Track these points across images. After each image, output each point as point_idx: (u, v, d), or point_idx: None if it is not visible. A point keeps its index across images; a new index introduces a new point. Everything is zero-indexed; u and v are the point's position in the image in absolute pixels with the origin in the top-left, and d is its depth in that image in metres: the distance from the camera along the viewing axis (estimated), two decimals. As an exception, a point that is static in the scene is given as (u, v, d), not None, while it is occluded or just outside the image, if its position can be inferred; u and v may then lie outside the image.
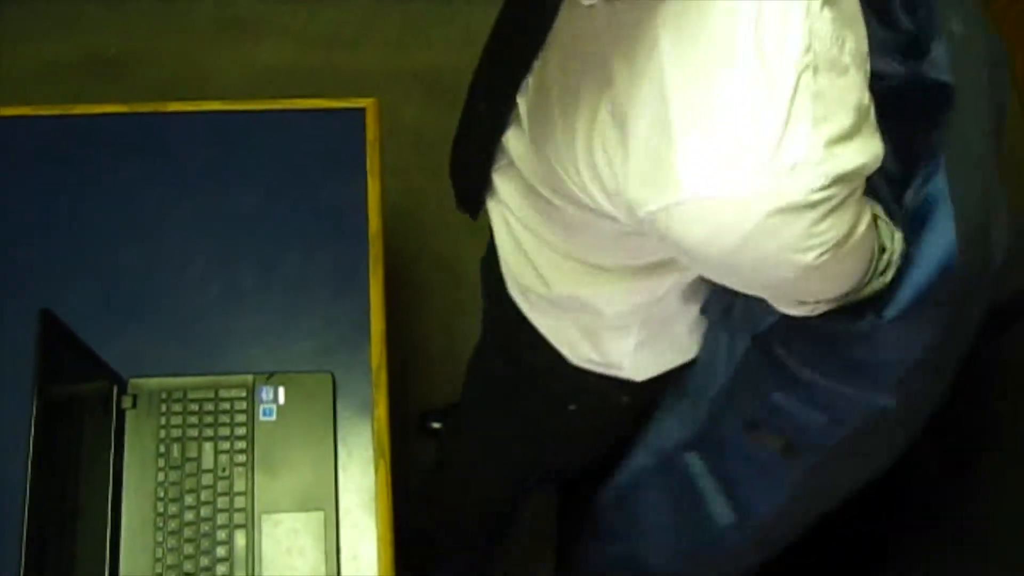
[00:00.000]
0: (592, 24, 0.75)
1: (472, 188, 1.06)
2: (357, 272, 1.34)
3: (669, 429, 1.17)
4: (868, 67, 0.70)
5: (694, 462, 1.15)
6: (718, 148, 0.65)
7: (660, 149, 0.67)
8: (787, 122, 0.64)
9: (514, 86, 0.89)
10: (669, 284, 0.98)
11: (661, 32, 0.67)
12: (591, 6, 0.71)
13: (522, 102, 0.90)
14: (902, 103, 0.70)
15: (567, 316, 1.07)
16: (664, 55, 0.67)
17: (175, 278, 1.33)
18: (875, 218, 0.79)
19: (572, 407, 1.21)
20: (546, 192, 0.90)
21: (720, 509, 1.15)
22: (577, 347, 1.11)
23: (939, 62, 0.84)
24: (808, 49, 0.64)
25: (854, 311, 0.84)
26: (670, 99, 0.67)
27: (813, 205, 0.65)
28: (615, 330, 1.05)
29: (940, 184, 0.83)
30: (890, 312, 0.82)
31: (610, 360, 1.10)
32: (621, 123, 0.71)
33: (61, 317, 1.07)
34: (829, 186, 0.65)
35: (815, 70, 0.64)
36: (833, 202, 0.66)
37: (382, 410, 1.27)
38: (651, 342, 1.07)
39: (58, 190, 1.37)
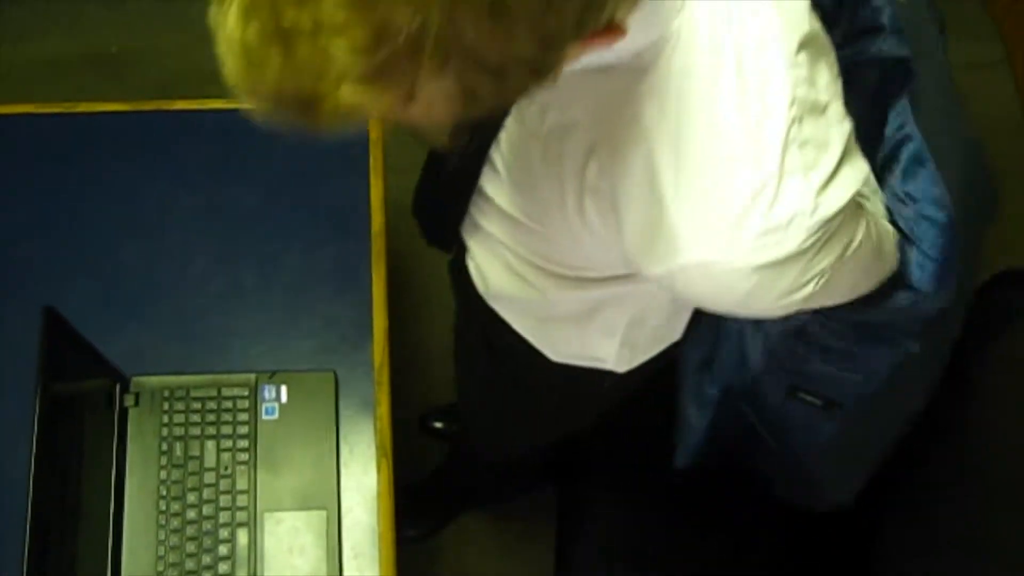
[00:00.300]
0: (567, 86, 0.75)
1: (444, 231, 1.07)
2: (359, 270, 1.34)
3: (710, 394, 1.18)
4: (840, 86, 0.69)
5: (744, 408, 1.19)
6: (715, 213, 0.65)
7: (655, 218, 0.67)
8: (780, 179, 0.64)
9: (486, 143, 0.88)
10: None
11: (645, 103, 0.67)
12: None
13: (496, 154, 0.89)
14: (855, 77, 0.70)
15: (553, 321, 1.08)
16: (648, 126, 0.67)
17: (177, 276, 1.33)
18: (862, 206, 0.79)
19: (554, 396, 1.22)
20: (530, 223, 0.89)
21: (772, 444, 1.19)
22: (559, 347, 1.11)
23: (892, 36, 0.85)
24: (792, 103, 0.64)
25: (883, 294, 0.85)
26: (659, 170, 0.66)
27: (807, 249, 0.66)
28: (602, 329, 1.06)
29: (920, 150, 0.85)
30: (927, 287, 0.85)
31: (594, 356, 1.10)
32: (610, 191, 0.71)
33: (63, 315, 1.07)
34: (822, 227, 0.66)
35: (800, 121, 0.64)
36: (825, 237, 0.67)
37: (384, 409, 1.27)
38: (635, 338, 1.08)
39: (59, 188, 1.37)
